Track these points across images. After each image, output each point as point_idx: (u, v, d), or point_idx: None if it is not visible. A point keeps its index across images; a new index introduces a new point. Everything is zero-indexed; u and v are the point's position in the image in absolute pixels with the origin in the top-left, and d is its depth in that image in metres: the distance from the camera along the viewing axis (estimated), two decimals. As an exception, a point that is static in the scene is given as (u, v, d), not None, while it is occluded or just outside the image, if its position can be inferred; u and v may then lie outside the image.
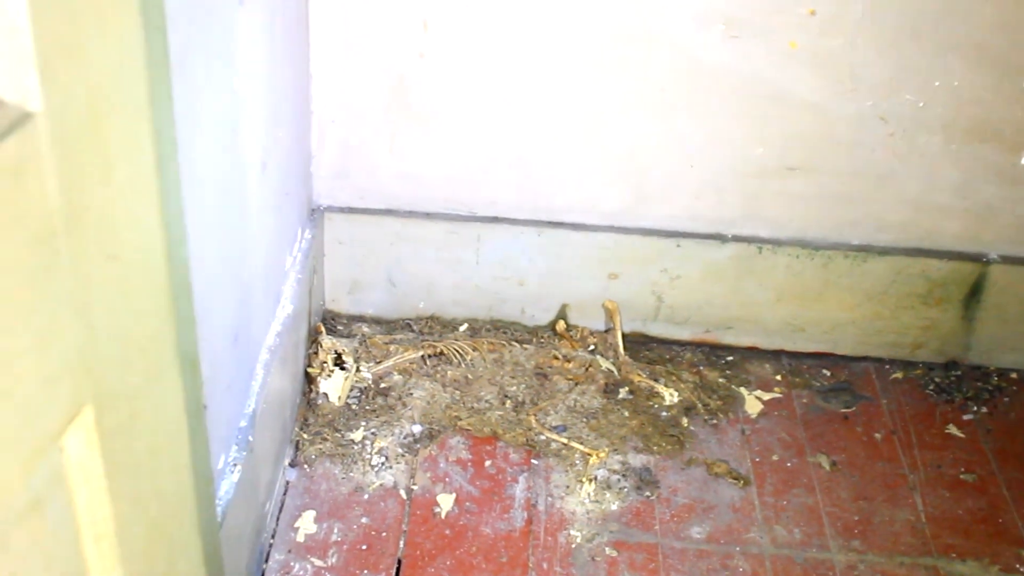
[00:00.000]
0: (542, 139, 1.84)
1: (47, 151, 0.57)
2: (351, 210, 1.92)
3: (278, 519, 1.64)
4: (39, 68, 0.55)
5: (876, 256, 1.93)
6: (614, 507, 1.70)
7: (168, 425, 0.81)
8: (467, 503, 1.69)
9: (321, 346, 1.86)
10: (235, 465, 1.42)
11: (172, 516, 0.85)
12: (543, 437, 1.80)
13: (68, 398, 0.66)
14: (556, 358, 1.94)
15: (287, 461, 1.73)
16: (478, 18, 1.73)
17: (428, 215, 1.92)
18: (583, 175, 1.88)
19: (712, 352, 2.04)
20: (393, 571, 1.58)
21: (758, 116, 1.81)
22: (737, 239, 1.93)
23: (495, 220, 1.92)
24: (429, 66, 1.77)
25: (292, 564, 1.58)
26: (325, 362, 1.84)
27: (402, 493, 1.70)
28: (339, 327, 2.01)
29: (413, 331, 2.01)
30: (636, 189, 1.89)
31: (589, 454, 1.77)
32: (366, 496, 1.69)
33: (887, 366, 2.04)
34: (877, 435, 1.88)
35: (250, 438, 1.46)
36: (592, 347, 1.99)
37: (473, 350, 1.93)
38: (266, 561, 1.58)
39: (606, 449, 1.78)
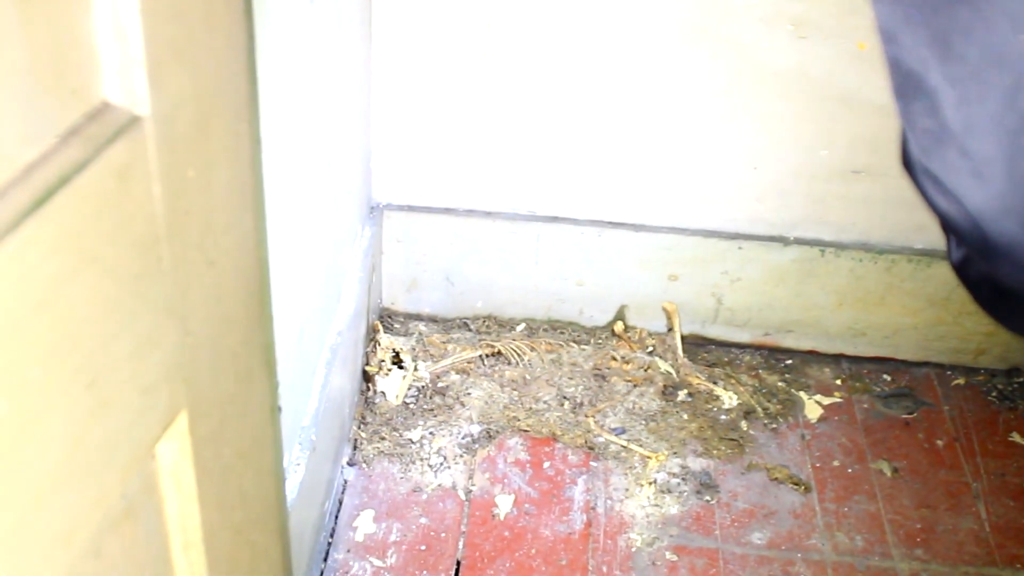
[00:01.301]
0: (604, 139, 1.83)
1: (153, 155, 0.57)
2: (410, 208, 1.92)
3: (337, 518, 1.64)
4: (148, 71, 0.54)
5: (940, 261, 1.90)
6: (674, 511, 1.69)
7: (254, 429, 0.81)
8: (526, 504, 1.68)
9: (379, 344, 1.86)
10: (298, 465, 1.42)
11: (255, 521, 0.85)
12: (602, 439, 1.79)
13: (165, 405, 0.65)
14: (614, 359, 1.93)
15: (345, 460, 1.73)
16: (541, 18, 1.72)
17: (488, 214, 1.91)
18: (645, 176, 1.86)
19: (771, 355, 2.02)
20: (452, 572, 1.58)
21: (824, 118, 1.79)
22: (799, 242, 1.91)
23: (555, 220, 1.91)
24: (491, 65, 1.76)
25: (351, 564, 1.57)
26: (383, 360, 1.84)
27: (460, 494, 1.69)
28: (396, 325, 2.00)
29: (470, 330, 2.00)
30: (698, 190, 1.87)
31: (648, 457, 1.76)
32: (424, 496, 1.68)
33: (949, 372, 2.01)
34: (939, 442, 1.85)
35: (312, 437, 1.46)
36: (650, 349, 1.97)
37: (531, 350, 1.93)
38: (325, 560, 1.58)
39: (665, 452, 1.77)
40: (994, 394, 1.96)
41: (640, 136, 1.82)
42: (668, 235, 1.91)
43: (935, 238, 1.89)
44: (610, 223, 1.91)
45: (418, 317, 2.03)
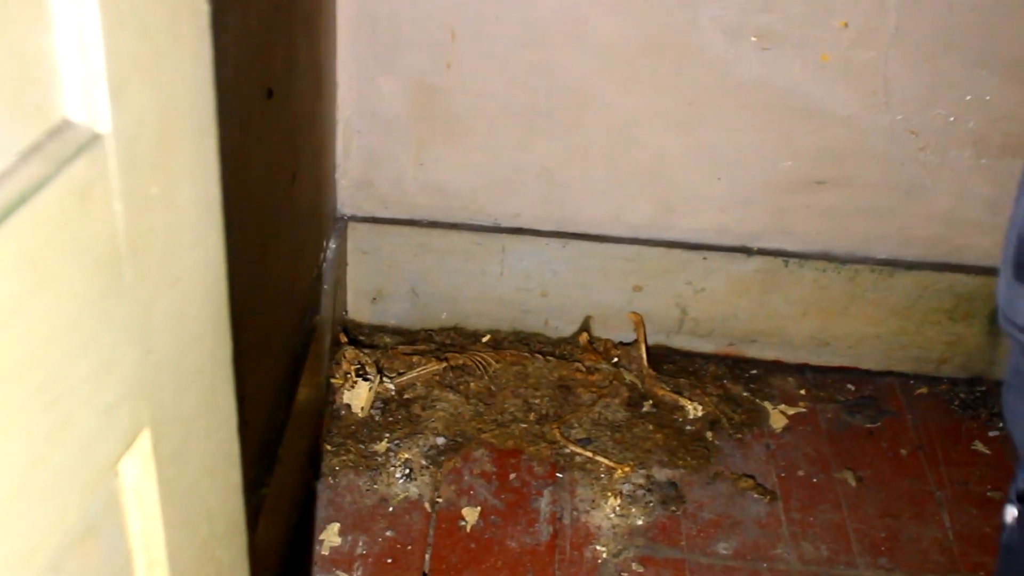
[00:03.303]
0: (568, 151, 1.83)
1: (115, 173, 0.56)
2: (375, 220, 1.91)
3: (303, 531, 1.63)
4: (110, 88, 0.54)
5: (903, 271, 1.92)
6: (640, 522, 1.69)
7: (219, 446, 0.80)
8: (492, 516, 1.68)
9: (344, 357, 1.85)
10: (264, 480, 1.41)
11: (220, 538, 0.84)
12: (568, 450, 1.79)
13: (126, 424, 0.64)
14: (580, 371, 1.93)
15: (312, 473, 1.72)
16: (506, 28, 1.72)
17: (453, 226, 1.91)
18: (609, 187, 1.86)
19: (736, 365, 2.03)
20: (419, 585, 1.57)
21: (788, 129, 1.80)
22: (763, 252, 1.92)
23: (520, 231, 1.91)
24: (456, 76, 1.76)
25: (317, 577, 1.56)
26: (348, 373, 1.83)
27: (427, 506, 1.68)
28: (361, 337, 1.99)
29: (435, 342, 1.99)
30: (662, 201, 1.88)
31: (614, 468, 1.76)
32: (391, 508, 1.67)
33: (912, 381, 2.02)
34: (903, 451, 1.87)
35: (278, 452, 1.45)
36: (616, 359, 1.97)
37: (496, 362, 1.92)
38: (292, 575, 1.56)
39: (631, 463, 1.77)
40: (956, 403, 1.98)
41: (604, 146, 1.82)
42: (632, 246, 1.91)
43: (897, 248, 1.91)
44: (574, 234, 1.91)
45: (383, 329, 2.02)
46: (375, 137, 1.83)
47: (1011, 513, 1.03)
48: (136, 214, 0.58)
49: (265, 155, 1.32)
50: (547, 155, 1.84)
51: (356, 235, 1.92)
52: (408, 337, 2.00)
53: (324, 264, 1.78)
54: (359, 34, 1.73)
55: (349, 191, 1.89)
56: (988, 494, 1.79)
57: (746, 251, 1.92)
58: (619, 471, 1.75)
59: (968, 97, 1.75)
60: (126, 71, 0.54)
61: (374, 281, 1.97)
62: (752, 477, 1.78)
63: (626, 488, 1.73)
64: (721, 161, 1.83)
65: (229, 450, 0.82)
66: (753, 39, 1.72)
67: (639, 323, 1.98)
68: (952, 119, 1.77)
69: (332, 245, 1.84)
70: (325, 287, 1.74)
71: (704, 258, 1.92)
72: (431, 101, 1.79)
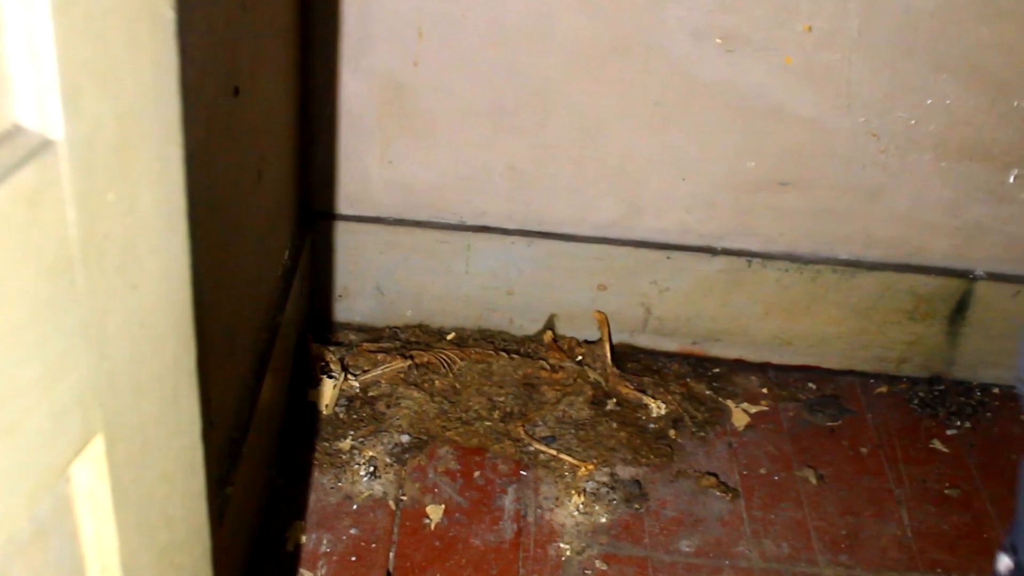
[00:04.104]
0: (534, 150, 1.83)
1: (67, 180, 0.56)
2: (341, 217, 1.91)
3: (267, 530, 1.63)
4: (63, 94, 0.54)
5: (864, 271, 1.94)
6: (603, 519, 1.70)
7: (181, 451, 0.80)
8: (456, 514, 1.68)
9: (310, 354, 1.85)
10: (229, 479, 1.41)
11: (181, 544, 0.84)
12: (532, 448, 1.80)
13: (77, 429, 0.64)
14: (544, 369, 1.94)
15: (276, 471, 1.72)
16: (473, 27, 1.72)
17: (418, 223, 1.91)
18: (575, 186, 1.87)
19: (699, 364, 2.04)
20: (383, 583, 1.57)
21: (752, 130, 1.82)
22: (727, 252, 1.93)
23: (485, 230, 1.92)
24: (423, 74, 1.76)
25: None
26: (313, 370, 1.83)
27: (391, 504, 1.69)
28: (327, 334, 1.99)
29: (400, 340, 1.99)
30: (628, 201, 1.89)
31: (578, 466, 1.77)
32: (355, 506, 1.68)
33: (872, 380, 2.05)
34: (863, 449, 1.89)
35: (243, 450, 1.45)
36: (580, 358, 1.98)
37: (461, 359, 1.93)
38: (256, 573, 1.56)
39: (595, 461, 1.78)
40: (916, 402, 2.00)
41: (570, 146, 1.83)
42: (598, 245, 1.92)
43: (859, 249, 1.93)
44: (540, 233, 1.92)
45: (348, 326, 2.02)
46: (342, 135, 1.83)
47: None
48: (90, 221, 0.59)
49: (231, 153, 1.32)
50: (514, 154, 1.84)
51: (322, 233, 1.92)
52: (373, 335, 2.01)
53: (290, 262, 1.78)
54: (326, 32, 1.73)
55: (316, 188, 1.88)
56: (946, 491, 1.82)
57: (710, 251, 1.93)
58: (583, 469, 1.76)
59: (928, 101, 1.77)
60: (80, 77, 0.54)
61: (340, 278, 1.97)
62: (715, 475, 1.79)
63: (590, 486, 1.74)
64: (686, 161, 1.85)
65: (191, 456, 0.82)
66: (718, 41, 1.74)
67: (604, 322, 1.99)
68: (913, 122, 1.80)
69: (299, 243, 1.84)
70: (291, 285, 1.74)
71: (669, 258, 1.93)
72: (398, 99, 1.79)
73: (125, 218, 0.60)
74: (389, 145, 1.83)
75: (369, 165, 1.86)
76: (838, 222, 1.91)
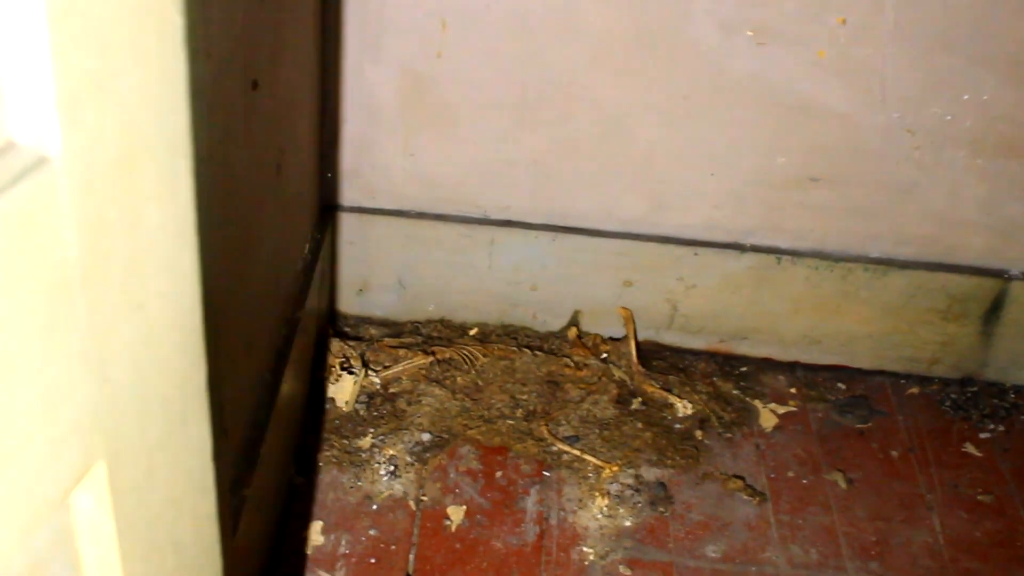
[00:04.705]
0: (559, 143, 1.80)
1: (65, 198, 0.53)
2: (362, 210, 1.88)
3: (285, 530, 1.61)
4: (60, 108, 0.50)
5: (896, 270, 1.89)
6: (627, 523, 1.67)
7: (189, 474, 0.77)
8: (478, 516, 1.65)
9: (329, 350, 1.82)
10: (246, 479, 1.38)
11: (189, 567, 0.81)
12: (555, 448, 1.77)
13: (78, 457, 0.61)
14: (568, 366, 1.91)
15: (295, 469, 1.69)
16: (498, 18, 1.68)
17: (441, 217, 1.88)
18: (599, 181, 1.84)
19: (726, 362, 2.00)
20: (402, 586, 1.55)
21: (782, 125, 1.77)
22: (756, 249, 1.89)
23: (509, 224, 1.88)
24: (446, 66, 1.73)
25: (298, 577, 1.54)
26: (333, 366, 1.80)
27: (411, 504, 1.66)
28: (347, 329, 1.96)
29: (421, 335, 1.96)
30: (654, 196, 1.85)
31: (602, 467, 1.73)
32: (375, 507, 1.65)
33: (903, 381, 2.00)
34: (893, 452, 1.85)
35: (260, 451, 1.42)
36: (605, 355, 1.95)
37: (483, 356, 1.89)
38: (273, 574, 1.54)
39: (619, 462, 1.75)
40: (948, 403, 1.96)
41: (595, 140, 1.79)
42: (623, 241, 1.88)
43: (891, 247, 1.88)
44: (564, 228, 1.88)
45: (370, 320, 1.99)
46: (363, 126, 1.79)
47: None
48: (91, 240, 0.55)
49: (249, 148, 1.29)
50: (537, 147, 1.81)
51: (343, 226, 1.89)
52: (394, 329, 1.97)
53: (310, 256, 1.75)
54: (347, 22, 1.69)
55: (337, 181, 1.85)
56: (979, 497, 1.77)
57: (738, 248, 1.89)
58: (607, 470, 1.73)
59: (965, 96, 1.72)
60: (79, 90, 0.51)
61: (361, 272, 1.94)
62: (741, 478, 1.75)
63: (614, 488, 1.71)
64: (714, 156, 1.81)
65: (201, 478, 0.79)
66: (748, 33, 1.69)
67: (629, 319, 1.95)
68: (949, 118, 1.75)
69: (319, 236, 1.81)
70: (311, 279, 1.71)
71: (696, 254, 1.89)
72: (420, 91, 1.75)
73: (129, 236, 0.57)
74: (411, 137, 1.80)
75: (391, 158, 1.82)
76: (870, 219, 1.86)
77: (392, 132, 1.80)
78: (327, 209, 1.87)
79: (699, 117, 1.77)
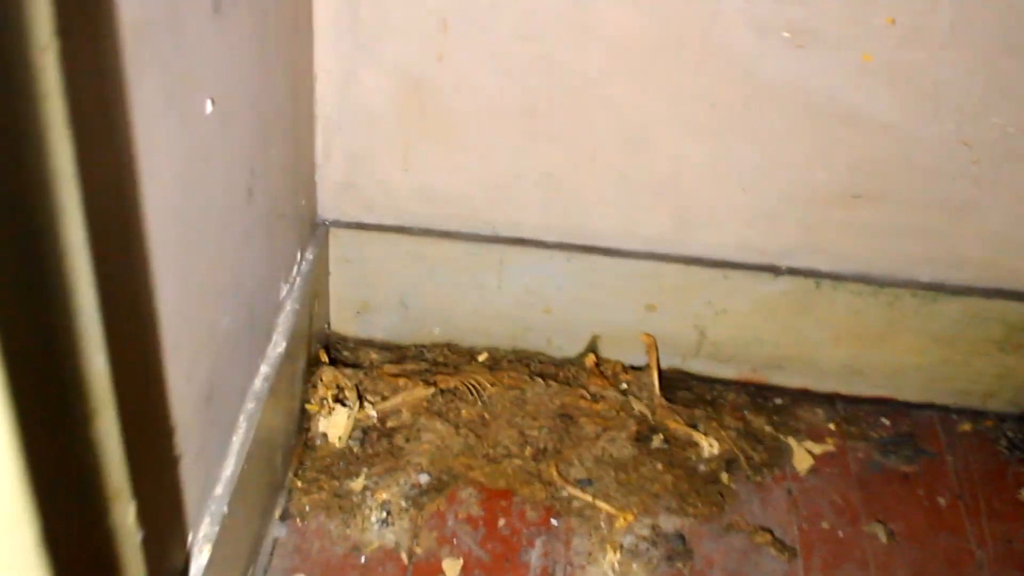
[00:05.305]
0: (575, 155, 1.63)
1: None
2: (360, 226, 1.72)
3: (262, 584, 1.47)
4: None
5: (948, 296, 1.71)
6: (641, 580, 1.51)
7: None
8: (476, 571, 1.50)
9: (321, 380, 1.67)
10: (207, 542, 1.24)
11: None
12: (565, 493, 1.61)
13: None
14: (584, 398, 1.74)
15: (278, 513, 1.55)
16: (504, 17, 1.51)
17: (446, 234, 1.72)
18: (620, 196, 1.66)
19: (759, 393, 1.83)
20: (387, 652, 1.40)
21: (823, 137, 1.59)
22: (793, 272, 1.71)
23: (520, 242, 1.72)
24: (448, 70, 1.56)
25: (274, 640, 1.40)
26: (325, 398, 1.65)
27: (403, 556, 1.51)
28: (345, 352, 1.81)
29: (426, 360, 1.81)
30: (679, 214, 1.68)
31: (615, 516, 1.57)
32: (363, 559, 1.50)
33: (954, 415, 1.82)
34: (941, 500, 1.67)
35: (225, 509, 1.28)
36: (624, 386, 1.78)
37: (492, 385, 1.74)
38: (245, 635, 1.40)
39: (635, 510, 1.59)
40: (1003, 442, 1.77)
41: (613, 152, 1.62)
42: (645, 261, 1.71)
43: (943, 271, 1.70)
44: (581, 247, 1.72)
45: (370, 343, 1.84)
46: (359, 136, 1.64)
47: None
48: None
49: (207, 181, 1.14)
50: (550, 160, 1.64)
51: (339, 242, 1.73)
52: (397, 354, 1.82)
53: (298, 278, 1.60)
54: (338, 20, 1.53)
55: (330, 194, 1.70)
56: (1036, 554, 1.59)
57: (773, 270, 1.71)
58: (621, 519, 1.57)
59: (1031, 107, 1.53)
60: None
61: (359, 292, 1.79)
62: (770, 531, 1.58)
63: (628, 540, 1.55)
64: (746, 171, 1.63)
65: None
66: (785, 35, 1.51)
67: (652, 345, 1.79)
68: (1011, 130, 1.55)
69: (310, 255, 1.65)
70: (298, 307, 1.56)
71: (726, 277, 1.72)
72: (420, 97, 1.59)
73: None
74: (411, 148, 1.64)
75: (390, 170, 1.66)
76: (920, 241, 1.68)
77: (391, 142, 1.64)
78: (321, 224, 1.71)
79: (729, 127, 1.59)
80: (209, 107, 1.11)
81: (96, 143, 0.80)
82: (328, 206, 1.71)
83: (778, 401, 1.81)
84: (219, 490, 1.30)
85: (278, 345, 1.49)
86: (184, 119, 1.04)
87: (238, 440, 1.35)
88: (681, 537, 1.56)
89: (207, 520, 1.26)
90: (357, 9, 1.52)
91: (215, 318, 1.23)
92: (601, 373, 1.79)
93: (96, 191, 0.76)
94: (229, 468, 1.32)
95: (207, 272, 1.18)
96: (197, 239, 1.13)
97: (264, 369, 1.45)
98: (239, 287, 1.31)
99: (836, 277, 1.71)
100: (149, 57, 0.91)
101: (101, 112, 0.81)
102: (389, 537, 1.53)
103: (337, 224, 1.72)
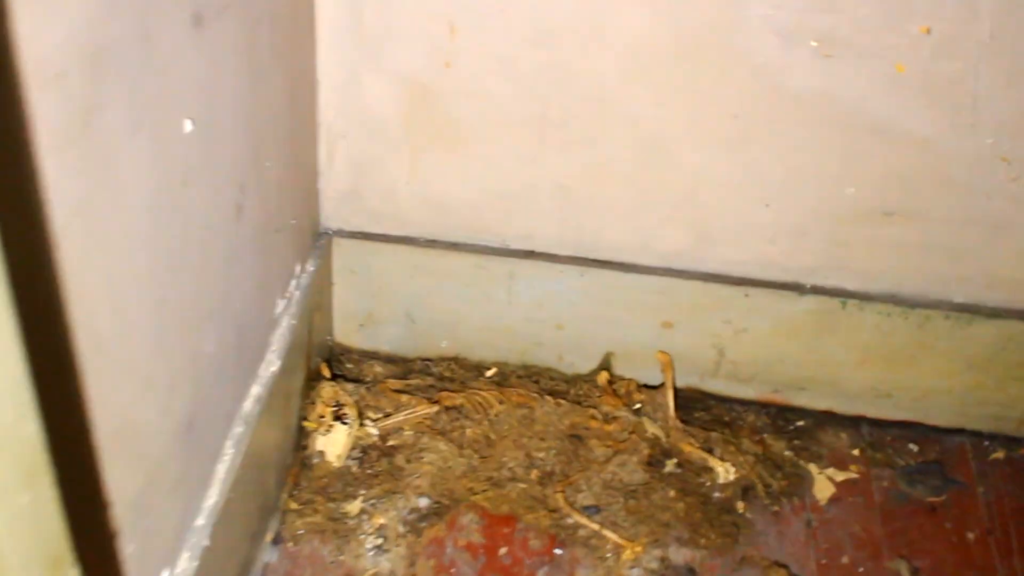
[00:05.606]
0: (587, 167, 1.55)
1: None
2: (364, 236, 1.65)
3: (251, 613, 1.41)
4: None
5: (983, 318, 1.61)
6: (648, 617, 1.44)
7: None
8: (474, 603, 1.44)
9: (320, 396, 1.61)
10: (183, 577, 1.18)
11: None
12: (571, 520, 1.53)
13: None
14: (595, 418, 1.67)
15: (269, 536, 1.49)
16: (515, 22, 1.43)
17: (453, 245, 1.65)
18: (636, 209, 1.58)
19: (780, 415, 1.74)
20: None
21: (852, 150, 1.50)
22: (817, 291, 1.63)
23: (531, 255, 1.64)
24: (456, 77, 1.49)
25: (261, 674, 1.34)
26: (324, 416, 1.59)
27: (399, 586, 1.44)
28: (348, 365, 1.75)
29: (432, 374, 1.74)
30: (699, 228, 1.59)
31: (623, 546, 1.50)
32: (356, 588, 1.44)
33: (986, 442, 1.73)
34: (970, 535, 1.58)
35: (206, 542, 1.22)
36: (638, 406, 1.70)
37: (499, 403, 1.66)
38: (231, 669, 1.34)
39: (644, 540, 1.51)
40: (1039, 473, 1.68)
41: (630, 163, 1.54)
42: (662, 277, 1.63)
43: (978, 292, 1.61)
44: (595, 261, 1.64)
45: (374, 355, 1.77)
46: (363, 143, 1.56)
47: None
48: None
49: (192, 201, 1.07)
50: (563, 170, 1.56)
51: (342, 252, 1.67)
52: (403, 367, 1.75)
53: (298, 293, 1.53)
54: (342, 24, 1.46)
55: (334, 203, 1.63)
56: (1071, 596, 1.50)
57: (797, 288, 1.63)
58: (628, 550, 1.49)
59: (1076, 123, 1.43)
60: None
61: (364, 304, 1.72)
62: (786, 566, 1.50)
63: (635, 573, 1.48)
64: (770, 185, 1.54)
65: None
66: (813, 43, 1.42)
67: (668, 364, 1.71)
68: (1054, 147, 1.46)
69: (311, 267, 1.59)
70: (296, 323, 1.49)
71: (747, 295, 1.63)
72: (427, 104, 1.52)
73: None
74: (418, 157, 1.56)
75: (395, 179, 1.59)
76: (954, 260, 1.58)
77: (396, 150, 1.56)
78: (324, 234, 1.65)
79: (752, 139, 1.51)
80: (188, 126, 1.04)
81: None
82: (331, 215, 1.64)
83: (800, 423, 1.73)
84: (200, 521, 1.24)
85: (272, 364, 1.43)
86: (156, 141, 0.97)
87: (223, 468, 1.29)
88: (691, 571, 1.49)
89: (185, 555, 1.20)
90: (361, 12, 1.44)
91: (197, 345, 1.17)
92: (614, 392, 1.71)
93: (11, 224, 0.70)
94: (212, 498, 1.26)
95: (187, 299, 1.12)
96: (175, 265, 1.07)
97: (256, 390, 1.39)
98: (226, 309, 1.24)
99: (864, 296, 1.62)
100: (111, 80, 0.85)
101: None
102: (384, 565, 1.46)
103: (341, 234, 1.65)
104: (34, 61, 0.72)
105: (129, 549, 1.07)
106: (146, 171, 0.96)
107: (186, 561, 1.19)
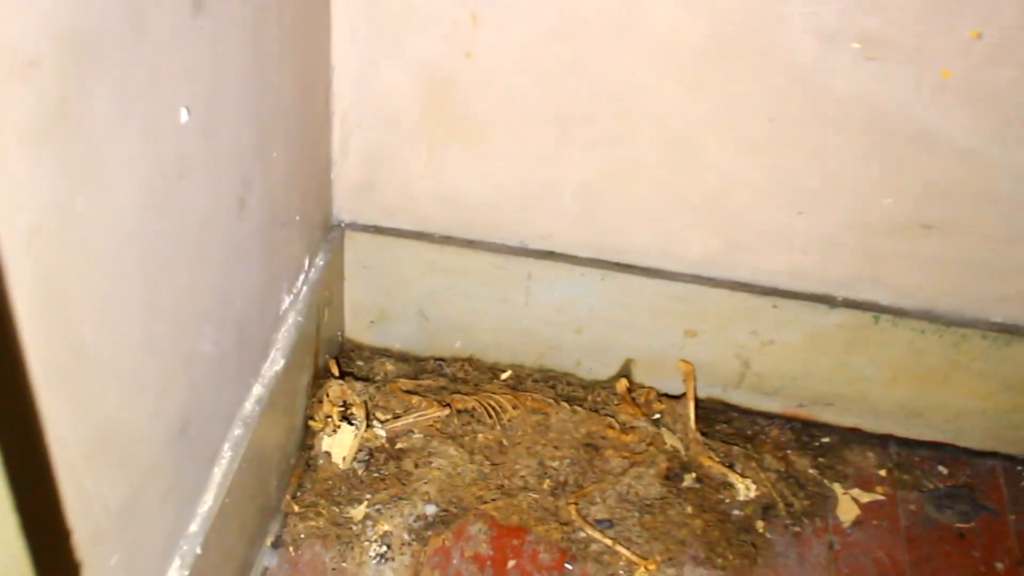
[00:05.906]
0: (612, 167, 1.48)
1: None
2: (377, 229, 1.59)
3: (245, 621, 1.35)
4: None
5: (1022, 339, 1.54)
6: (659, 641, 1.37)
7: None
8: (478, 619, 1.38)
9: (327, 395, 1.55)
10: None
11: None
12: (583, 534, 1.47)
13: None
14: (612, 427, 1.60)
15: (270, 540, 1.44)
16: (540, 13, 1.36)
17: (469, 243, 1.58)
18: (662, 212, 1.51)
19: (804, 431, 1.67)
20: None
21: (891, 159, 1.42)
22: (849, 304, 1.55)
23: (550, 256, 1.58)
24: (477, 68, 1.42)
25: None
26: (330, 415, 1.53)
27: (400, 598, 1.39)
28: (359, 362, 1.69)
29: (445, 375, 1.68)
30: (727, 235, 1.52)
31: (636, 564, 1.44)
32: (356, 598, 1.39)
33: (1019, 467, 1.65)
34: (999, 565, 1.51)
35: (198, 551, 1.17)
36: (657, 416, 1.64)
37: (513, 408, 1.60)
38: None
39: (658, 557, 1.45)
40: (1075, 501, 1.61)
41: (657, 164, 1.47)
42: (687, 284, 1.56)
43: (1019, 312, 1.53)
44: (617, 264, 1.57)
45: (386, 353, 1.71)
46: (379, 135, 1.50)
47: None
48: None
49: (192, 196, 1.01)
50: (587, 170, 1.49)
51: (355, 246, 1.61)
52: (415, 366, 1.69)
53: (307, 288, 1.48)
54: (358, 10, 1.39)
55: (347, 195, 1.57)
56: (1104, 635, 1.43)
57: (828, 301, 1.56)
58: (642, 568, 1.43)
59: None
60: None
61: (376, 299, 1.66)
62: (805, 592, 1.44)
63: (647, 594, 1.42)
64: (803, 192, 1.47)
65: None
66: (855, 46, 1.34)
67: (690, 374, 1.64)
68: (1107, 163, 1.38)
69: (320, 261, 1.53)
70: (300, 320, 1.44)
71: (775, 305, 1.56)
72: (446, 96, 1.45)
73: None
74: (435, 150, 1.50)
75: (411, 172, 1.53)
76: (995, 278, 1.51)
77: (413, 143, 1.50)
78: (336, 226, 1.59)
79: (787, 144, 1.43)
80: (185, 116, 0.99)
81: None
82: (344, 207, 1.58)
83: (825, 440, 1.66)
84: (194, 527, 1.18)
85: (276, 362, 1.37)
86: (148, 132, 0.92)
87: (220, 471, 1.24)
88: (706, 594, 1.43)
89: (176, 563, 1.15)
90: (379, -3, 1.38)
91: (193, 345, 1.11)
92: (633, 400, 1.65)
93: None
94: (207, 503, 1.21)
95: (182, 298, 1.06)
96: (168, 264, 1.01)
97: (257, 390, 1.33)
98: (225, 307, 1.19)
99: (898, 312, 1.55)
100: (95, 69, 0.79)
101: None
102: (388, 574, 1.41)
103: (353, 227, 1.59)
104: (1, 49, 0.66)
105: (113, 560, 1.02)
106: (136, 164, 0.90)
107: (177, 570, 1.14)
